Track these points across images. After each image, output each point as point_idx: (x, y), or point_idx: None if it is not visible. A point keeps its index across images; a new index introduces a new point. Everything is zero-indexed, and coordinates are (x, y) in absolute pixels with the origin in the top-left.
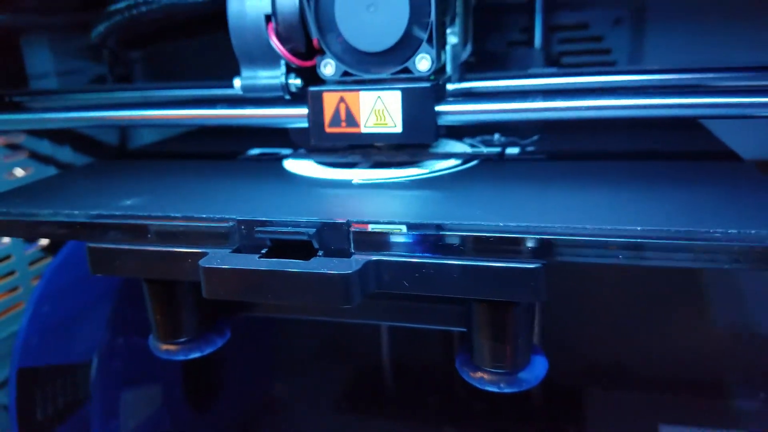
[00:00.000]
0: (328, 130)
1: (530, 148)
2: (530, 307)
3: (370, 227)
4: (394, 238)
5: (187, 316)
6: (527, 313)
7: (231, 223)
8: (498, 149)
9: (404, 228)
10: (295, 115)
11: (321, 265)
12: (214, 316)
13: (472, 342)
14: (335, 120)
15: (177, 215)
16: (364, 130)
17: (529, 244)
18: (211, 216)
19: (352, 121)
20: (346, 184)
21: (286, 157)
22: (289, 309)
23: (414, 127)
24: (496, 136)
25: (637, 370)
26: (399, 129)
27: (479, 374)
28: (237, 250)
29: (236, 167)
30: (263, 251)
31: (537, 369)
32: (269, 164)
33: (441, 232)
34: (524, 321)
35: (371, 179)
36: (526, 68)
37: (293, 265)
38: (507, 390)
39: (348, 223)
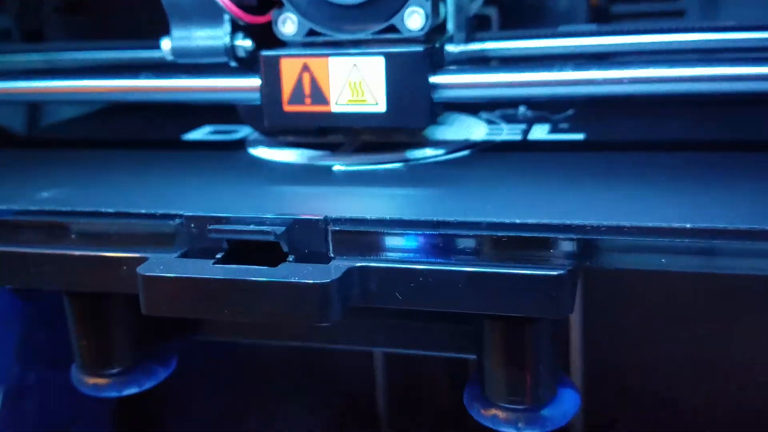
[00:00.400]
0: (287, 108)
1: (562, 127)
2: (555, 326)
3: (354, 225)
4: (385, 239)
5: (120, 340)
6: (551, 333)
7: (177, 221)
8: (521, 129)
9: (397, 226)
10: (244, 87)
11: (291, 272)
12: (157, 341)
13: (483, 370)
14: (297, 95)
15: (109, 211)
16: (335, 108)
17: (553, 245)
18: (153, 212)
19: (319, 96)
20: (325, 172)
21: (248, 137)
22: (253, 331)
23: (402, 105)
24: (521, 109)
25: (699, 407)
26: (382, 108)
27: (492, 411)
28: (185, 255)
29: (183, 151)
30: (218, 256)
31: (565, 405)
32: (226, 147)
33: (443, 231)
34: (548, 343)
35: (356, 166)
36: (568, 24)
37: (257, 273)
38: (527, 431)
39: (326, 220)
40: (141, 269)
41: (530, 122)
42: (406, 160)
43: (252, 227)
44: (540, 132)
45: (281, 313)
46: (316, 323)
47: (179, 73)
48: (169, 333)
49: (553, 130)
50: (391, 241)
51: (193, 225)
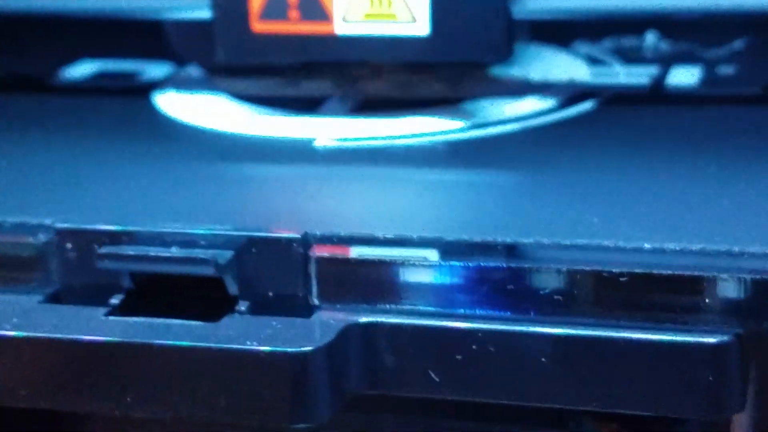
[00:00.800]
0: (257, 26)
1: (725, 71)
2: None
3: (355, 250)
4: (410, 275)
5: None
6: None
7: (43, 236)
8: (649, 73)
9: (433, 252)
10: None
11: (245, 332)
12: None
13: None
14: (275, 6)
15: None
16: (341, 29)
17: (710, 290)
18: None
19: (314, 8)
20: (302, 150)
21: (159, 83)
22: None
23: (459, 26)
24: (650, 37)
25: None
26: (423, 29)
27: None
28: (55, 298)
29: (55, 103)
30: (113, 301)
31: None
32: (126, 98)
33: (517, 263)
34: None
35: (354, 139)
36: None
37: (186, 333)
38: None
39: (306, 239)
40: None
41: (665, 61)
42: (439, 131)
43: (174, 251)
44: (684, 78)
45: (226, 407)
46: (288, 425)
47: None
48: None
49: (709, 77)
50: (422, 278)
51: (70, 245)
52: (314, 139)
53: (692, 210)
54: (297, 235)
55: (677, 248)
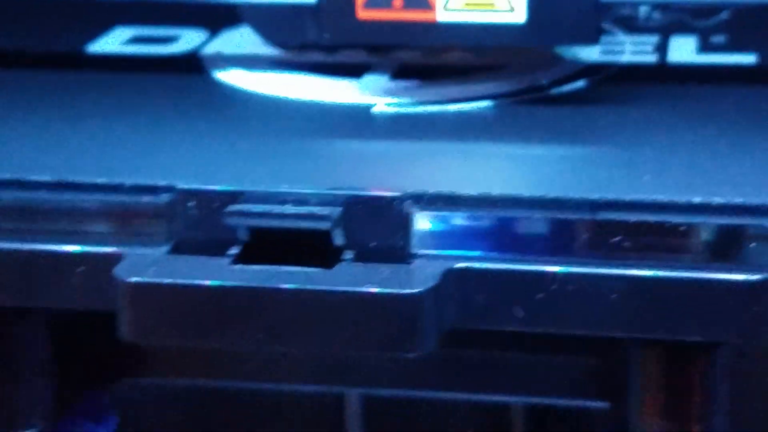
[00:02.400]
0: (362, 14)
1: (717, 41)
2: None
3: (451, 206)
4: (499, 227)
5: (34, 387)
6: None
7: (166, 196)
8: (652, 43)
9: (517, 206)
10: None
11: (361, 277)
12: (86, 387)
13: (625, 425)
14: None
15: (42, 179)
16: (442, 16)
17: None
18: (119, 182)
19: None
20: (359, 114)
21: (206, 51)
22: (220, 367)
23: (552, 12)
24: (643, 8)
25: None
26: (520, 16)
27: None
28: (176, 250)
29: (100, 72)
30: (233, 251)
31: None
32: (173, 67)
33: (591, 215)
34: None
35: (407, 104)
36: None
37: (306, 277)
38: None
39: (405, 198)
40: (120, 272)
41: (663, 32)
42: (493, 96)
43: (292, 209)
44: (683, 49)
45: (346, 341)
46: (401, 355)
47: None
48: (101, 376)
49: (705, 47)
50: (508, 231)
51: (192, 203)
52: (371, 105)
53: (723, 169)
54: (398, 194)
55: (722, 201)
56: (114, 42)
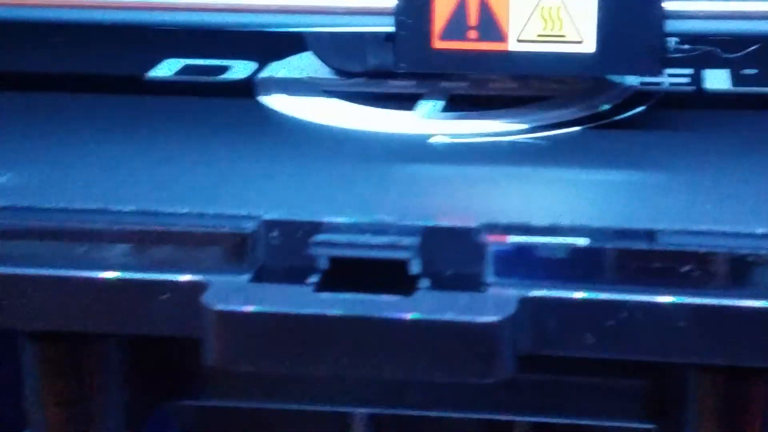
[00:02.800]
0: (438, 44)
1: (748, 72)
2: None
3: (526, 235)
4: (568, 256)
5: (110, 403)
6: None
7: (251, 226)
8: (686, 74)
9: (588, 235)
10: (367, 9)
11: (440, 305)
12: (153, 404)
13: None
14: (456, 25)
15: (127, 209)
16: (515, 47)
17: None
18: (202, 211)
19: (492, 28)
20: (418, 144)
21: (256, 82)
22: (285, 390)
23: (621, 43)
24: (672, 40)
25: None
26: (589, 46)
27: None
28: (258, 278)
29: (160, 100)
30: (312, 279)
31: None
32: (228, 100)
33: (663, 246)
34: None
35: (464, 135)
36: None
37: (388, 305)
38: None
39: (481, 229)
40: (207, 300)
41: (696, 64)
42: (550, 125)
43: (372, 239)
44: (717, 80)
45: (427, 368)
46: (480, 381)
47: None
48: (166, 394)
49: (738, 80)
50: (578, 260)
51: (276, 233)
52: (428, 136)
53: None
54: (474, 225)
55: None
56: (167, 72)
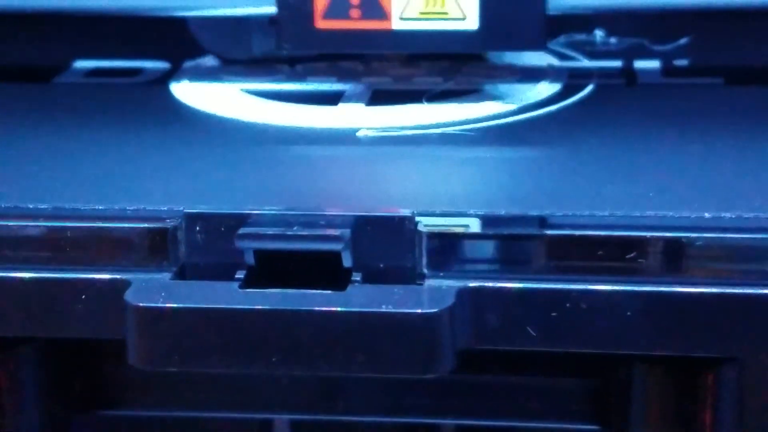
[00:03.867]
0: (321, 23)
1: (680, 64)
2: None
3: (458, 224)
4: (507, 246)
5: (27, 412)
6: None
7: (171, 222)
8: (616, 67)
9: (527, 224)
10: None
11: (376, 298)
12: (69, 415)
13: None
14: (338, 4)
15: (42, 207)
16: (398, 25)
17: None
18: (121, 207)
19: (373, 6)
20: (345, 138)
21: (173, 76)
22: (205, 398)
23: (503, 20)
24: (598, 34)
25: None
26: (472, 23)
27: None
28: (180, 275)
29: (74, 99)
30: (239, 274)
31: None
32: (144, 97)
33: (606, 232)
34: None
35: (391, 128)
36: None
37: (321, 300)
38: None
39: (415, 218)
40: (131, 297)
41: (626, 56)
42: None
43: (301, 231)
44: (648, 72)
45: (363, 363)
46: (418, 376)
47: None
48: (85, 404)
49: (668, 70)
50: (518, 249)
51: (199, 228)
52: (355, 129)
53: (717, 181)
54: (408, 213)
55: (733, 217)
56: (78, 75)
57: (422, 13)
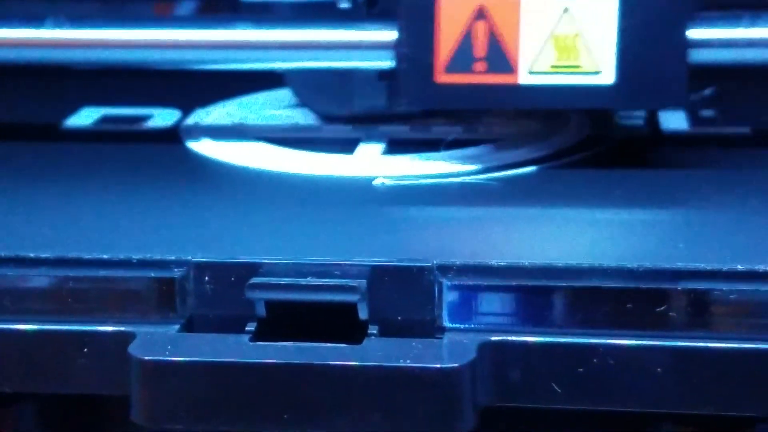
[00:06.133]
0: (442, 78)
1: (706, 114)
2: None
3: (485, 276)
4: (532, 298)
5: None
6: None
7: (179, 271)
8: (640, 121)
9: (552, 276)
10: (365, 42)
11: (392, 351)
12: None
13: None
14: (462, 56)
15: (44, 257)
16: (525, 79)
17: None
18: (128, 257)
19: (500, 59)
20: (361, 187)
21: (182, 128)
22: None
23: (643, 75)
24: None
25: None
26: (608, 78)
27: None
28: (188, 327)
29: (84, 149)
30: (250, 327)
31: None
32: (153, 146)
33: (633, 284)
34: None
35: (407, 177)
36: None
37: (335, 354)
38: None
39: (435, 269)
40: (135, 350)
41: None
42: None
43: (315, 281)
44: (674, 123)
45: (380, 421)
46: None
47: (246, 21)
48: None
49: (695, 121)
50: (543, 302)
51: (207, 278)
52: (371, 178)
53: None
54: (428, 264)
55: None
56: (86, 120)
57: (553, 67)
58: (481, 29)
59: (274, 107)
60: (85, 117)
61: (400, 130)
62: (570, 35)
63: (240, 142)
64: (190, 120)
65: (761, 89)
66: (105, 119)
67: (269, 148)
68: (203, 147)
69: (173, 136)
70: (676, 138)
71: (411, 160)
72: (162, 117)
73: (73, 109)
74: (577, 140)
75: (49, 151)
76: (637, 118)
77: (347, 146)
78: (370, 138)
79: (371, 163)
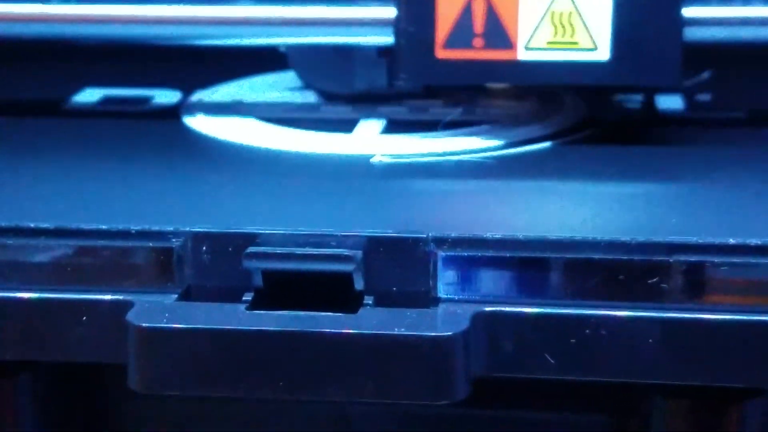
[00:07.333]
0: (442, 53)
1: (702, 98)
2: None
3: (478, 247)
4: (525, 270)
5: None
6: None
7: (177, 241)
8: (637, 105)
9: (547, 248)
10: (364, 19)
11: (387, 320)
12: None
13: None
14: (461, 33)
15: (44, 227)
16: (524, 55)
17: None
18: (127, 228)
19: (499, 35)
20: (359, 164)
21: (183, 107)
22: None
23: (637, 51)
24: None
25: None
26: (603, 54)
27: None
28: (186, 296)
29: (87, 125)
30: (247, 297)
31: None
32: (154, 123)
33: (625, 256)
34: None
35: (405, 155)
36: None
37: (332, 322)
38: None
39: (430, 240)
40: (133, 318)
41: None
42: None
43: (312, 250)
44: (671, 104)
45: (374, 389)
46: (432, 402)
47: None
48: (85, 430)
49: (691, 106)
50: (536, 274)
51: (205, 247)
52: (369, 156)
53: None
54: (423, 236)
55: (759, 243)
56: (90, 99)
57: (550, 43)
58: (479, 5)
59: (277, 89)
60: (87, 96)
61: (399, 111)
62: (566, 12)
63: (240, 120)
64: (192, 99)
65: (757, 73)
66: (107, 100)
67: (269, 127)
68: (203, 125)
69: (174, 114)
70: (672, 120)
71: (409, 139)
72: (164, 97)
73: (76, 90)
74: (574, 121)
75: (50, 127)
76: (633, 102)
77: (346, 126)
78: (369, 118)
79: (370, 141)
